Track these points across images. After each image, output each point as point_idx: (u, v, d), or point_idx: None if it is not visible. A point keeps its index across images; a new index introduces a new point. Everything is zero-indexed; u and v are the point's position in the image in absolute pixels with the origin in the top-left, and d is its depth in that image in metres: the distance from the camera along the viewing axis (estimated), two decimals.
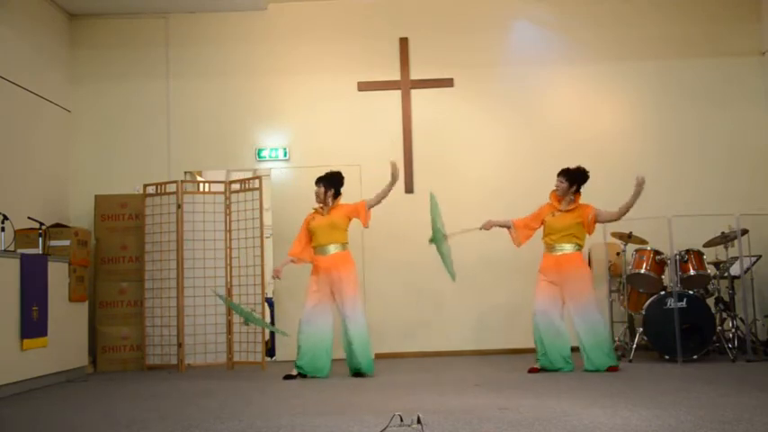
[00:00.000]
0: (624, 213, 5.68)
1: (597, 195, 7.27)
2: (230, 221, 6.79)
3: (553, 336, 5.64)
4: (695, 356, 5.90)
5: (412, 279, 7.33)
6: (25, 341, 5.31)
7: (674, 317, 5.90)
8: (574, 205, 5.78)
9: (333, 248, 5.81)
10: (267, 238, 7.01)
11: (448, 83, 7.59)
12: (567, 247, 5.72)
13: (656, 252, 6.24)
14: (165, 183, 6.89)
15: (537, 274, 5.83)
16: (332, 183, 5.95)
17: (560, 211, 5.76)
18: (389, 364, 6.62)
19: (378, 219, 7.34)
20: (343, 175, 6.00)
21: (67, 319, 6.01)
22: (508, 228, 5.96)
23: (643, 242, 6.47)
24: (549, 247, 5.78)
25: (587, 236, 5.83)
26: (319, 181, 5.95)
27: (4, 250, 5.40)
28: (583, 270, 5.74)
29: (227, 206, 6.81)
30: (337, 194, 5.95)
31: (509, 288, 7.18)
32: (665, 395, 4.29)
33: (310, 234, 5.90)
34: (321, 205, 5.92)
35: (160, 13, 7.72)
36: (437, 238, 5.59)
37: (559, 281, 5.69)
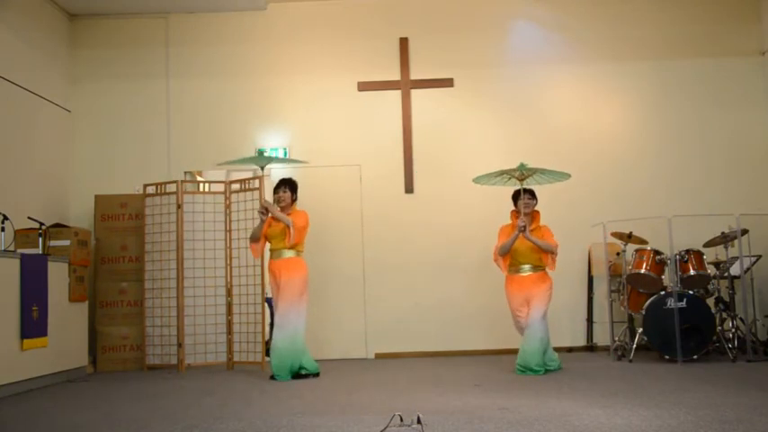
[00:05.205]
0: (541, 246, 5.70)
1: (598, 195, 7.33)
2: (230, 221, 6.79)
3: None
4: (695, 356, 5.90)
5: (411, 278, 7.33)
6: (25, 341, 5.31)
7: (674, 317, 5.90)
8: (535, 225, 5.80)
9: (286, 254, 5.81)
10: None
11: (448, 83, 7.59)
12: (535, 268, 5.75)
13: (656, 252, 6.24)
14: (165, 183, 6.89)
15: (507, 299, 5.85)
16: (294, 188, 5.98)
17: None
18: (389, 364, 6.62)
19: (378, 218, 7.40)
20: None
21: (67, 319, 6.01)
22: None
23: (643, 242, 6.47)
24: (514, 269, 5.79)
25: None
26: (284, 185, 5.94)
27: (4, 250, 5.40)
28: (547, 285, 5.74)
29: (227, 206, 6.82)
30: (294, 200, 5.97)
31: None
32: (665, 395, 4.30)
33: (267, 238, 5.92)
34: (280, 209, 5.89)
35: (160, 13, 7.72)
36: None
37: (526, 299, 5.72)
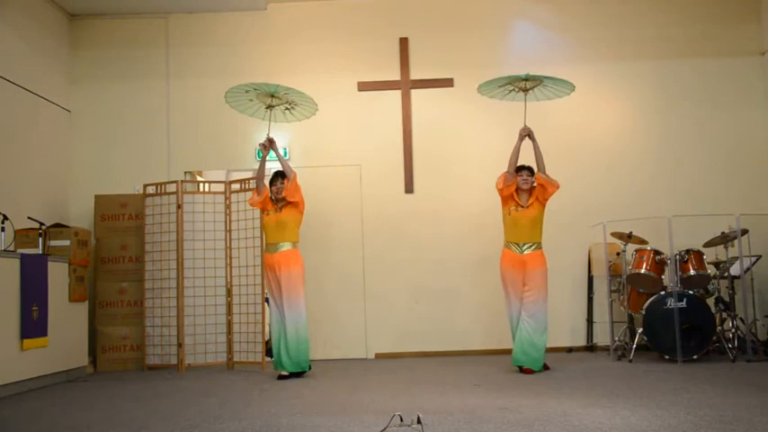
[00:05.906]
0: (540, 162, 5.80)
1: (597, 195, 7.33)
2: (230, 221, 6.79)
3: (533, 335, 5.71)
4: (695, 356, 5.90)
5: (411, 279, 7.33)
6: (25, 341, 5.31)
7: (674, 317, 5.90)
8: (532, 200, 5.83)
9: (282, 246, 5.83)
10: None
11: (448, 83, 7.58)
12: (532, 245, 5.76)
13: (656, 252, 6.24)
14: (165, 183, 6.89)
15: (501, 272, 5.85)
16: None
17: (522, 207, 5.78)
18: (389, 364, 6.62)
19: (378, 218, 7.40)
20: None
21: (67, 319, 6.01)
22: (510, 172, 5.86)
23: (643, 242, 6.47)
24: (512, 244, 5.81)
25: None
26: (281, 176, 5.93)
27: (4, 250, 5.41)
28: (544, 269, 5.76)
29: (227, 206, 6.82)
30: None
31: None
32: (665, 395, 4.30)
33: (263, 229, 6.01)
34: (274, 198, 5.93)
35: (160, 13, 7.72)
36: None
37: (522, 278, 5.72)
